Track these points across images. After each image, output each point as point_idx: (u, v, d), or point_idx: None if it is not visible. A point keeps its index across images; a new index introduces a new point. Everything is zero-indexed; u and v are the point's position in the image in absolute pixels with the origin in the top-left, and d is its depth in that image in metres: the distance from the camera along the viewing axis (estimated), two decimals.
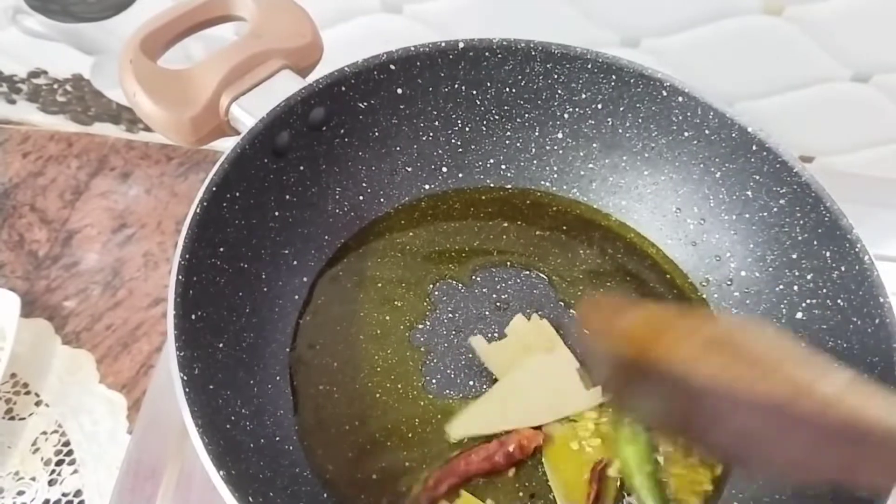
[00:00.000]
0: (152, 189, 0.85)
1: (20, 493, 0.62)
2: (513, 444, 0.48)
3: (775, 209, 0.55)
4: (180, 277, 0.41)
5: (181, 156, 0.88)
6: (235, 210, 0.48)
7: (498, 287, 0.58)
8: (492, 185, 0.62)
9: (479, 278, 0.58)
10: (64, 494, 0.62)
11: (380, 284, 0.57)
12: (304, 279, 0.55)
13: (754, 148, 0.54)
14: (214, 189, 0.45)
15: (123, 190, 0.85)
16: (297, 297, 0.54)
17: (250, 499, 0.38)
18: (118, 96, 0.86)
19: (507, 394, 0.51)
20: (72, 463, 0.64)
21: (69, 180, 0.85)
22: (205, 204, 0.44)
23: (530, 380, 0.51)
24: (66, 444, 0.65)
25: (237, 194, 0.47)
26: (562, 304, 0.58)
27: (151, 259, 0.78)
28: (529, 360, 0.52)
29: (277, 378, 0.50)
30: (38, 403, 0.66)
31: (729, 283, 0.58)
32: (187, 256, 0.42)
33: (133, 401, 0.66)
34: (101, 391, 0.68)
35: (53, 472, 0.63)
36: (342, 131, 0.55)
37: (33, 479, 0.63)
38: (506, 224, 0.61)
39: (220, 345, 0.45)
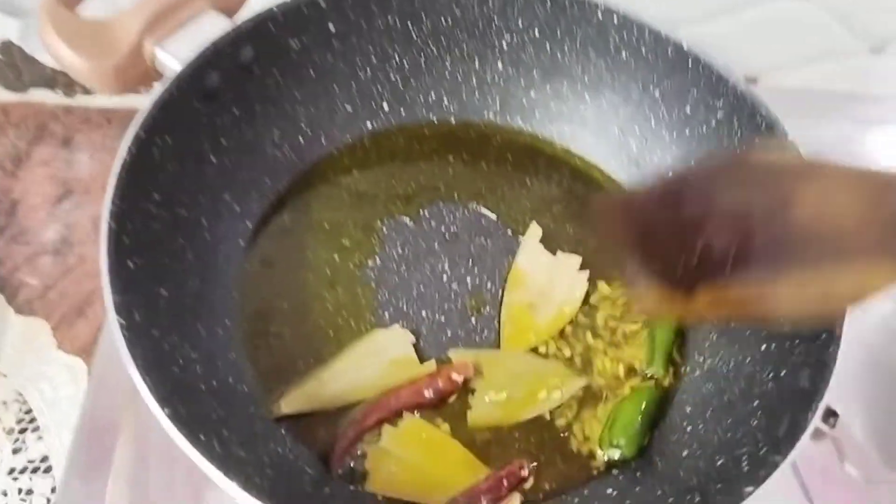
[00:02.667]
0: (95, 153, 0.83)
1: None
2: (442, 378, 0.49)
3: (714, 123, 0.55)
4: (111, 224, 0.40)
5: (123, 118, 0.85)
6: (168, 156, 0.47)
7: (446, 221, 0.58)
8: (435, 119, 0.62)
9: (426, 213, 0.58)
10: (30, 461, 0.61)
11: (327, 225, 0.56)
12: (248, 224, 0.54)
13: (690, 64, 0.55)
14: (143, 135, 0.44)
15: (66, 156, 0.82)
16: (241, 241, 0.53)
17: (201, 436, 0.38)
18: (52, 60, 0.83)
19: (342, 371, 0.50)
20: (35, 430, 0.63)
21: (8, 150, 0.82)
22: (133, 150, 0.43)
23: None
24: (28, 412, 0.64)
25: (168, 140, 0.46)
26: (510, 231, 0.58)
27: (100, 222, 0.76)
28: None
29: (226, 321, 0.50)
30: None
31: None
32: (117, 202, 0.41)
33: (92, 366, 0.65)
34: (60, 357, 0.66)
35: (17, 440, 0.62)
36: (274, 71, 0.54)
37: None
38: (451, 158, 0.61)
39: (163, 291, 0.45)
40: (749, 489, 0.39)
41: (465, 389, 0.50)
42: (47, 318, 0.69)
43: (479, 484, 0.46)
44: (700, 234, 0.37)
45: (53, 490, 0.56)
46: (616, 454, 0.48)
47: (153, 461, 0.49)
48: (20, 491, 0.58)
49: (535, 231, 0.56)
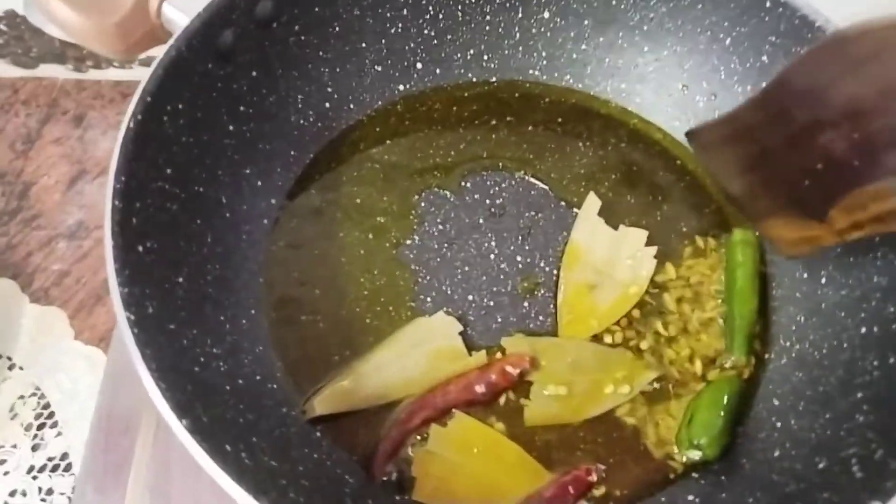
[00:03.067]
0: (109, 130, 0.79)
1: (1, 462, 0.58)
2: (495, 371, 0.43)
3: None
4: (117, 203, 0.35)
5: None
6: (180, 125, 0.41)
7: (491, 192, 0.52)
8: (474, 79, 0.56)
9: (468, 185, 0.52)
10: (49, 459, 0.58)
11: (358, 200, 0.51)
12: (273, 201, 0.49)
13: (768, 4, 0.47)
14: (149, 99, 0.38)
15: (78, 134, 0.79)
16: (265, 221, 0.48)
17: (228, 447, 0.33)
18: (61, 32, 0.79)
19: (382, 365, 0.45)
20: (54, 426, 0.60)
21: (19, 129, 0.79)
22: (139, 117, 0.37)
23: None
24: (46, 406, 0.61)
25: (179, 106, 0.41)
26: (563, 203, 0.52)
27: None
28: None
29: (252, 312, 0.44)
30: (10, 367, 0.62)
31: None
32: (123, 179, 0.36)
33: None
34: (77, 348, 0.63)
35: (35, 436, 0.59)
36: (296, 28, 0.48)
37: (14, 446, 0.59)
38: (494, 122, 0.55)
39: (180, 279, 0.40)
40: None
41: (522, 384, 0.44)
42: (63, 307, 0.66)
43: (542, 491, 0.40)
44: (818, 139, 0.35)
45: (74, 489, 0.53)
46: (696, 455, 0.42)
47: (176, 467, 0.44)
48: (40, 490, 0.55)
49: (592, 202, 0.50)
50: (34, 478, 0.55)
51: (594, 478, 0.41)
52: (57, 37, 0.79)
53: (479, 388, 0.43)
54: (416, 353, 0.44)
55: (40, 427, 0.59)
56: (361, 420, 0.43)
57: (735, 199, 0.44)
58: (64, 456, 0.58)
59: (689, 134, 0.46)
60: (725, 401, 0.43)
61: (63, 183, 0.74)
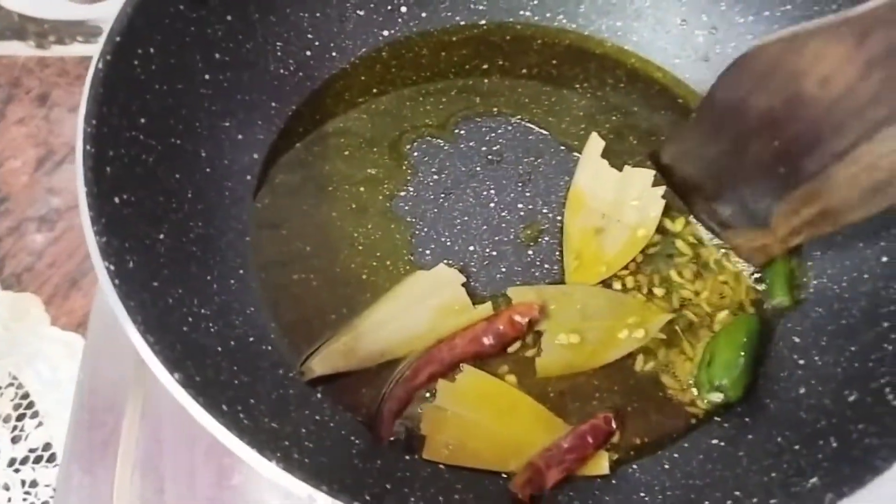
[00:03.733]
0: (76, 108, 0.75)
1: None
2: (503, 321, 0.41)
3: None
4: (89, 148, 0.32)
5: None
6: (152, 71, 0.38)
7: (487, 139, 0.49)
8: (462, 22, 0.53)
9: (462, 132, 0.49)
10: (31, 450, 0.56)
11: (347, 153, 0.48)
12: (255, 156, 0.46)
13: None
14: (118, 39, 0.35)
15: (43, 113, 0.76)
16: (248, 177, 0.45)
17: (224, 406, 0.30)
18: (17, 5, 0.75)
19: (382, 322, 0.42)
20: (34, 416, 0.57)
21: None
22: (108, 58, 0.34)
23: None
24: (25, 396, 0.58)
25: (151, 50, 0.38)
26: (563, 147, 0.49)
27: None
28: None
29: (241, 271, 0.41)
30: None
31: None
32: (94, 122, 0.33)
33: None
34: (55, 334, 0.61)
35: (15, 428, 0.56)
36: None
37: None
38: (485, 66, 0.52)
39: (161, 236, 0.37)
40: None
41: (531, 333, 0.42)
42: (38, 293, 0.63)
43: (560, 442, 0.38)
44: (747, 150, 0.38)
45: (59, 470, 0.51)
46: (718, 398, 0.40)
47: (167, 443, 0.41)
48: (23, 483, 0.52)
49: (595, 143, 0.48)
50: (16, 470, 0.53)
51: (613, 426, 0.39)
52: (14, 11, 0.75)
53: (487, 340, 0.40)
54: (418, 308, 0.42)
55: (20, 418, 0.56)
56: (363, 379, 0.40)
57: (698, 217, 0.45)
58: (46, 447, 0.56)
59: (650, 157, 0.47)
60: (745, 340, 0.41)
61: (30, 165, 0.71)
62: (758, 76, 0.36)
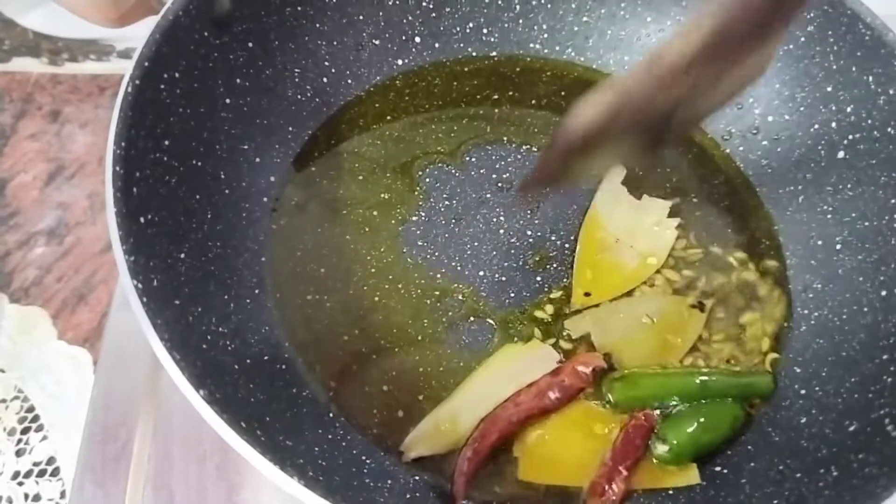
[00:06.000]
0: (87, 125, 0.76)
1: None
2: (567, 374, 0.41)
3: (803, 39, 0.48)
4: (118, 169, 0.33)
5: (115, 85, 0.78)
6: (177, 95, 0.39)
7: (497, 167, 0.50)
8: (474, 53, 0.54)
9: (473, 159, 0.51)
10: (35, 464, 0.56)
11: (361, 177, 0.49)
12: (272, 178, 0.47)
13: None
14: (147, 64, 0.36)
15: (55, 129, 0.76)
16: (265, 199, 0.46)
17: (243, 424, 0.30)
18: (33, 23, 0.76)
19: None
20: (39, 429, 0.57)
21: None
22: (136, 82, 0.35)
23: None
24: (30, 409, 0.58)
25: (176, 74, 0.39)
26: None
27: (97, 200, 0.69)
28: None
29: (256, 291, 0.42)
30: None
31: (755, 132, 0.51)
32: (123, 145, 0.34)
33: (98, 354, 0.59)
34: (61, 348, 0.61)
35: (20, 441, 0.56)
36: None
37: None
38: (496, 96, 0.53)
39: (182, 255, 0.37)
40: None
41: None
42: (45, 306, 0.63)
43: (612, 453, 0.39)
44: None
45: (63, 495, 0.51)
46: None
47: (178, 459, 0.41)
48: (26, 497, 0.52)
49: (616, 170, 0.49)
50: (20, 484, 0.53)
51: (655, 421, 0.40)
52: (30, 28, 0.76)
53: (553, 394, 0.40)
54: (512, 385, 0.41)
55: (24, 431, 0.56)
56: (375, 399, 0.41)
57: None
58: (50, 460, 0.56)
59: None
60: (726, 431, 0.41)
61: (40, 179, 0.72)
62: (598, 133, 0.35)
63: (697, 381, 0.41)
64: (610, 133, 0.35)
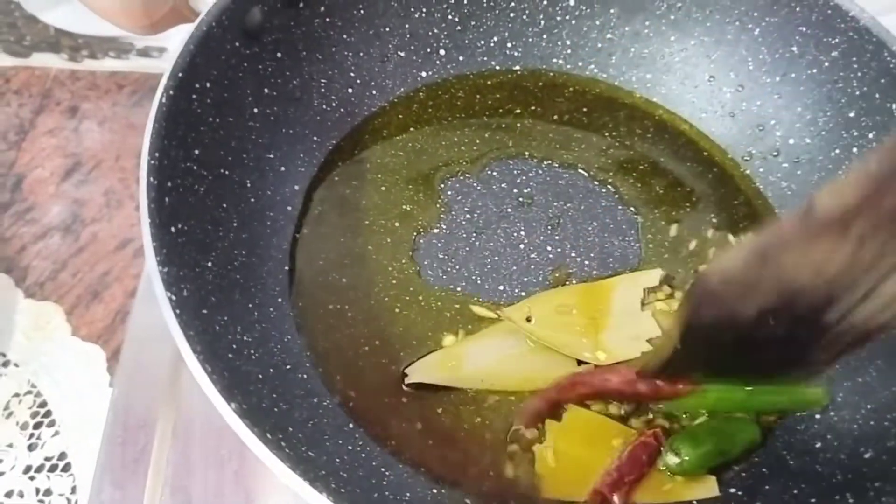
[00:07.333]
0: (105, 122, 0.76)
1: None
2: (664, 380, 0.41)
3: (827, 63, 0.48)
4: (152, 180, 0.33)
5: (133, 83, 0.79)
6: (208, 104, 0.40)
7: (518, 181, 0.51)
8: (498, 67, 0.55)
9: (494, 173, 0.51)
10: (47, 458, 0.56)
11: (383, 188, 0.49)
12: (296, 187, 0.47)
13: None
14: (181, 75, 0.37)
15: (73, 125, 0.77)
16: (289, 208, 0.46)
17: (268, 434, 0.31)
18: (55, 19, 0.76)
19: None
20: (51, 424, 0.57)
21: (11, 119, 0.76)
22: (171, 93, 0.36)
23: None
24: (43, 404, 0.58)
25: (207, 84, 0.39)
26: (592, 194, 0.51)
27: (113, 197, 0.70)
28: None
29: (279, 300, 0.43)
30: (5, 364, 0.60)
31: (775, 154, 0.51)
32: (157, 155, 0.34)
33: (112, 351, 0.59)
34: (75, 344, 0.61)
35: (32, 435, 0.57)
36: (322, 9, 0.47)
37: (10, 445, 0.56)
38: (518, 110, 0.54)
39: (209, 264, 0.38)
40: None
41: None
42: (60, 302, 0.64)
43: (617, 465, 0.39)
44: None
45: (73, 490, 0.51)
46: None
47: (197, 463, 0.42)
48: (38, 491, 0.52)
49: (653, 274, 0.47)
50: (31, 478, 0.53)
51: (662, 440, 0.40)
52: (51, 24, 0.77)
53: (642, 387, 0.41)
54: (531, 356, 0.43)
55: (37, 426, 0.57)
56: (394, 411, 0.41)
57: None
58: (62, 455, 0.56)
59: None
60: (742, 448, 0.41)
61: (57, 175, 0.72)
62: (740, 288, 0.32)
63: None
64: (750, 292, 0.31)
